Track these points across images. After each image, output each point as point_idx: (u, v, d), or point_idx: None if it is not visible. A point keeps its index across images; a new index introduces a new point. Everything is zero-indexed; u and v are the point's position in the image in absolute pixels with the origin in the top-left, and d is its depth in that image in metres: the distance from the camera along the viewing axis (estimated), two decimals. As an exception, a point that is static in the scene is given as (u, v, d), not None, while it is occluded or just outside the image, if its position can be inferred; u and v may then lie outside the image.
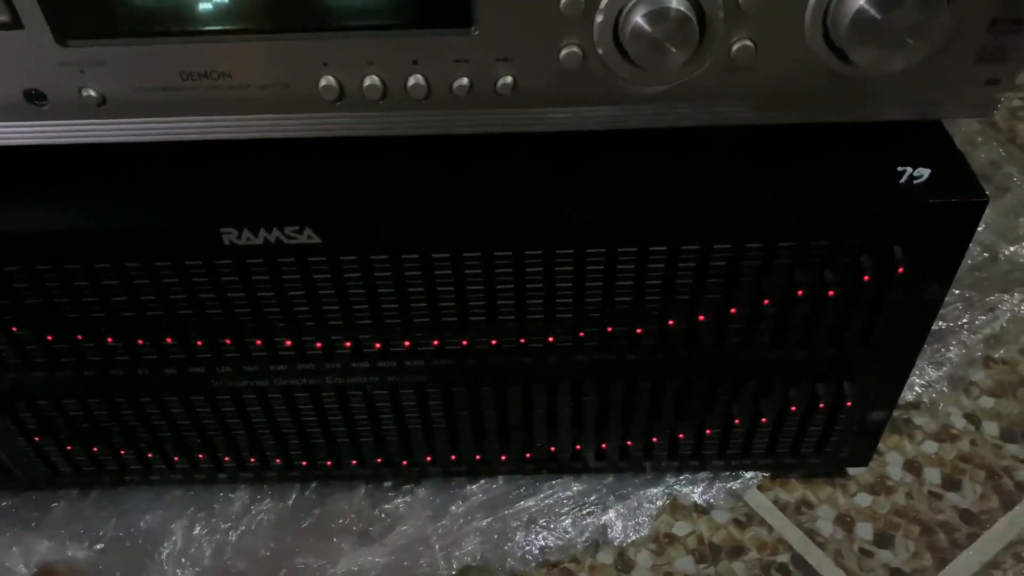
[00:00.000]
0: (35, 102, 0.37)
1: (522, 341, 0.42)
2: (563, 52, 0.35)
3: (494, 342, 0.42)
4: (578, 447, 0.48)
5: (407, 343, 0.42)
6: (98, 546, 0.49)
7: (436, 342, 0.42)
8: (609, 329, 0.43)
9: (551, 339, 0.42)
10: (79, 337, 0.42)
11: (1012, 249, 0.66)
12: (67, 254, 0.38)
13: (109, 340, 0.42)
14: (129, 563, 0.49)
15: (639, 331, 0.42)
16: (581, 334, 0.42)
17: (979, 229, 0.67)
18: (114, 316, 0.41)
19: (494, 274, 0.39)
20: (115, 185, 0.39)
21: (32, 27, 0.34)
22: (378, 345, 0.42)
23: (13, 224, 0.38)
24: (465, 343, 0.42)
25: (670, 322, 0.42)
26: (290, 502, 0.51)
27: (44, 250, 0.38)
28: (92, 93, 0.37)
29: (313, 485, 0.52)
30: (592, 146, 0.40)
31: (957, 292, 0.62)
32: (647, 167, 0.39)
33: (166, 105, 0.37)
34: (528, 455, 0.49)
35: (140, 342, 0.42)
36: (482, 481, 0.51)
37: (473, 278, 0.39)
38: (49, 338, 0.41)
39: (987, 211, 0.68)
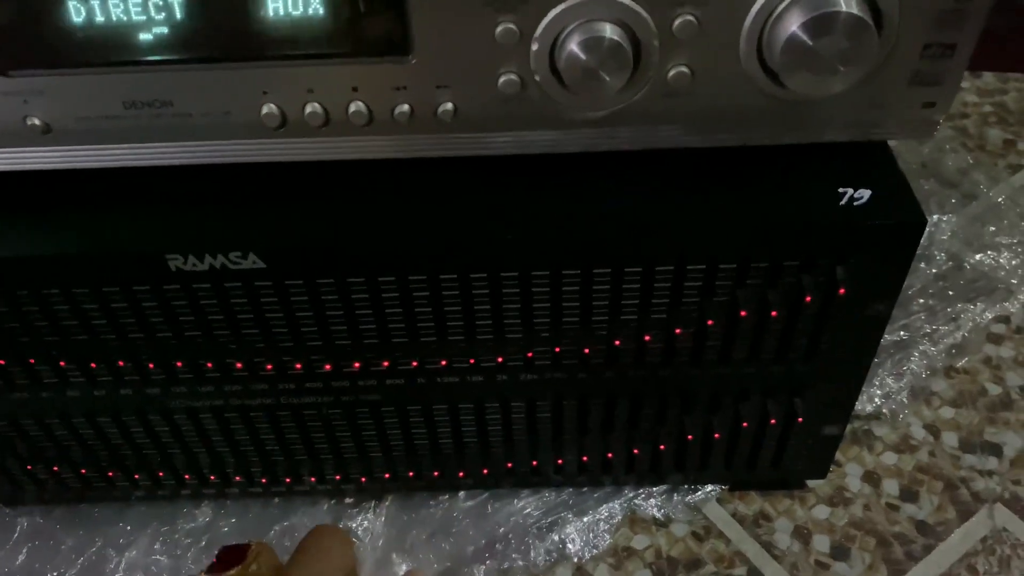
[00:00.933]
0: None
1: (472, 361, 0.42)
2: (501, 79, 0.35)
3: (444, 362, 0.42)
4: (535, 463, 0.49)
5: (357, 364, 0.43)
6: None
7: (387, 363, 0.42)
8: (557, 349, 0.43)
9: (500, 359, 0.42)
10: (31, 361, 0.42)
11: (977, 257, 0.66)
12: (16, 279, 0.39)
13: (62, 363, 0.42)
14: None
15: (586, 351, 0.42)
16: (530, 354, 0.42)
17: (944, 238, 0.68)
18: (67, 339, 0.41)
19: (440, 295, 0.40)
20: (63, 211, 0.39)
21: (-24, 59, 0.35)
22: (328, 366, 0.43)
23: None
24: (415, 364, 0.42)
25: (616, 342, 0.43)
26: (250, 516, 0.51)
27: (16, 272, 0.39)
28: (36, 122, 0.37)
29: (276, 501, 0.52)
30: (538, 167, 0.40)
31: (921, 301, 0.63)
32: (590, 188, 0.40)
33: (110, 133, 0.37)
34: (485, 471, 0.49)
35: (93, 365, 0.42)
36: (443, 497, 0.52)
37: (420, 299, 0.40)
38: (2, 362, 0.42)
39: (954, 219, 0.69)
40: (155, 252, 0.38)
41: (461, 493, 0.52)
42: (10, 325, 0.40)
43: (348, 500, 0.52)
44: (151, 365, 0.42)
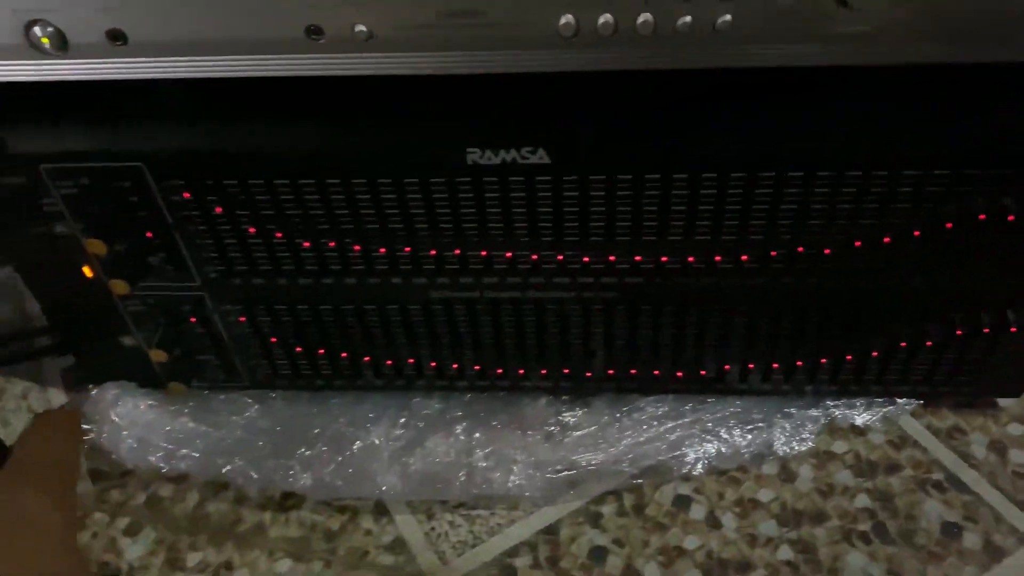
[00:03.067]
0: (312, 37, 0.43)
1: (718, 258, 0.47)
2: (781, -7, 0.40)
3: (691, 259, 0.47)
4: (751, 366, 0.53)
5: (612, 257, 0.47)
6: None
7: (639, 258, 0.47)
8: (773, 253, 0.47)
9: (744, 257, 0.47)
10: (330, 245, 0.48)
11: None
12: (328, 171, 0.45)
13: (356, 248, 0.48)
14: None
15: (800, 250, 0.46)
16: (773, 253, 0.46)
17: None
18: (359, 229, 0.47)
19: (698, 196, 0.44)
20: (378, 112, 0.45)
21: (324, -31, 0.41)
22: (587, 259, 0.48)
23: (287, 142, 0.45)
24: (664, 260, 0.47)
25: (827, 251, 0.47)
26: (476, 407, 0.57)
27: (310, 167, 0.45)
28: (363, 28, 0.43)
29: (501, 395, 0.57)
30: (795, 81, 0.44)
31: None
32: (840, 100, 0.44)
33: (426, 42, 0.43)
34: (703, 372, 0.54)
35: (383, 251, 0.48)
36: (651, 398, 0.56)
37: (678, 199, 0.44)
38: (306, 245, 0.48)
39: None
40: (457, 146, 0.43)
41: (669, 396, 0.56)
42: (315, 212, 0.46)
43: (564, 398, 0.57)
44: (432, 253, 0.48)
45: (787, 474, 0.54)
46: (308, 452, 0.54)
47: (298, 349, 0.55)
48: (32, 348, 0.67)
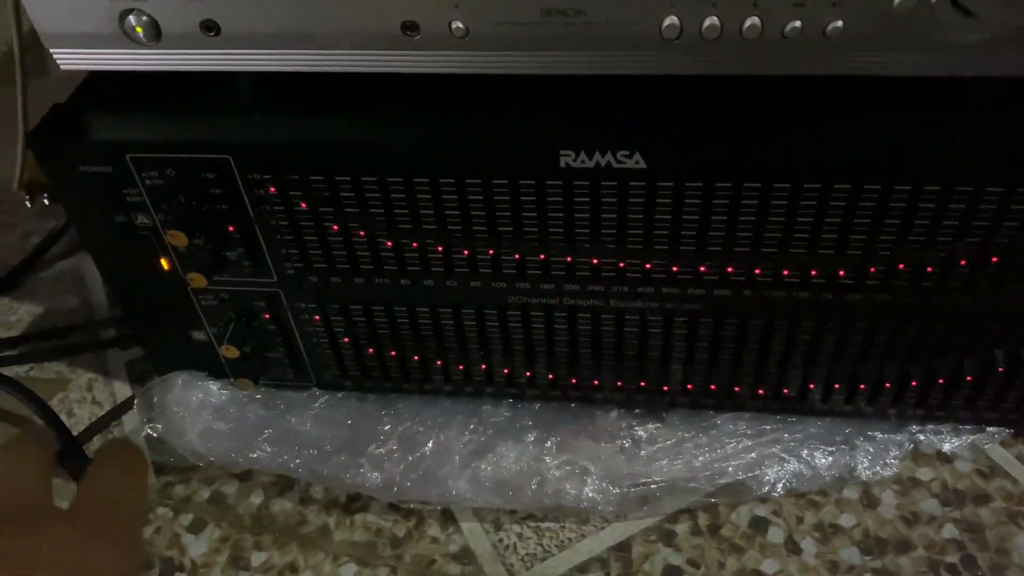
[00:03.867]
0: (408, 33, 0.43)
1: (813, 272, 0.45)
2: (897, 0, 0.38)
3: (786, 271, 0.45)
4: (836, 386, 0.51)
5: (702, 268, 0.46)
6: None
7: (730, 269, 0.46)
8: (872, 269, 0.46)
9: (841, 273, 0.45)
10: (413, 245, 0.47)
11: None
12: (416, 169, 0.44)
13: (439, 249, 0.47)
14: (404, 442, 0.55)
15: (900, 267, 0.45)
16: (872, 268, 0.45)
17: None
18: (443, 230, 0.46)
19: (797, 207, 0.43)
20: (470, 111, 0.44)
21: (426, -35, 0.40)
22: (675, 269, 0.46)
23: (376, 139, 0.44)
24: (757, 272, 0.46)
25: (929, 269, 0.45)
26: (546, 416, 0.56)
27: (399, 165, 0.44)
28: (460, 25, 0.42)
29: (571, 406, 0.56)
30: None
31: None
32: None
33: (525, 41, 0.42)
34: (785, 391, 0.52)
35: (465, 253, 0.47)
36: (728, 415, 0.55)
37: (777, 209, 0.43)
38: (388, 245, 0.47)
39: None
40: (551, 148, 0.42)
41: (745, 414, 0.55)
42: (399, 211, 0.46)
43: (636, 411, 0.56)
44: (516, 256, 0.47)
45: (869, 500, 0.52)
46: (379, 450, 0.53)
47: (370, 351, 0.54)
48: (96, 339, 0.68)
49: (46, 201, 0.66)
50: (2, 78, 1.01)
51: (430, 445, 0.53)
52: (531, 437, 0.54)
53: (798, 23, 0.39)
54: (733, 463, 0.52)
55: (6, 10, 0.51)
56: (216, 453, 0.54)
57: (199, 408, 0.56)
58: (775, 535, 0.51)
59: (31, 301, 0.70)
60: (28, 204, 0.66)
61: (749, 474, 0.51)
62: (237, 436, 0.54)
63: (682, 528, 0.51)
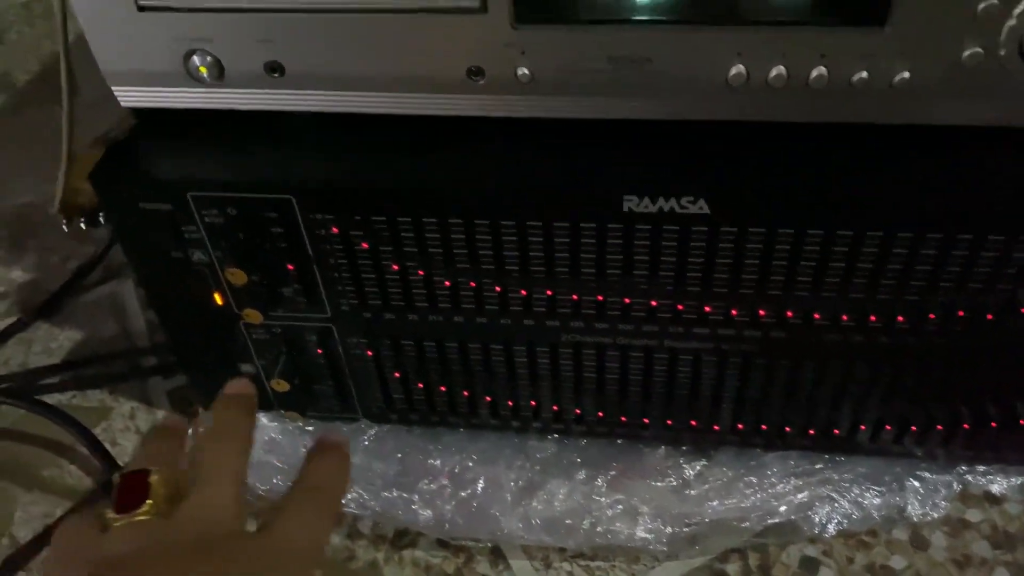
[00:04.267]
0: (473, 78, 0.43)
1: (872, 319, 0.45)
2: (966, 52, 0.38)
3: (844, 317, 0.46)
4: (887, 427, 0.51)
5: (761, 311, 0.46)
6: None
7: (790, 313, 0.46)
8: (932, 316, 0.46)
9: (900, 319, 0.45)
10: (470, 284, 0.47)
11: None
12: (478, 211, 0.44)
13: (497, 289, 0.47)
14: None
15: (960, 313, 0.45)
16: (933, 315, 0.45)
17: None
18: (501, 270, 0.47)
19: (859, 253, 0.43)
20: (532, 154, 0.45)
21: (495, 12, 0.40)
22: (735, 312, 0.46)
23: (438, 180, 0.44)
24: (817, 316, 0.46)
25: (989, 316, 0.45)
26: (592, 452, 0.56)
27: (461, 206, 0.44)
28: (526, 71, 0.42)
29: (619, 443, 0.56)
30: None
31: None
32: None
33: (589, 86, 0.42)
34: (836, 432, 0.52)
35: (523, 292, 0.47)
36: (776, 453, 0.55)
37: (838, 256, 0.43)
38: (446, 284, 0.48)
39: None
40: (615, 192, 0.42)
41: (793, 452, 0.55)
42: (458, 251, 0.46)
43: (683, 448, 0.56)
44: (574, 297, 0.47)
45: (919, 541, 0.52)
46: (430, 486, 0.53)
47: (419, 385, 0.54)
48: (138, 367, 0.68)
49: (83, 225, 0.66)
50: (29, 99, 1.02)
51: (481, 482, 0.53)
52: (581, 475, 0.54)
53: (865, 73, 0.40)
54: (783, 503, 0.52)
55: (35, 31, 0.52)
56: (267, 486, 0.54)
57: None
58: (826, 576, 0.51)
59: (71, 327, 0.70)
60: (65, 227, 0.66)
61: (799, 514, 0.51)
62: (288, 470, 0.54)
63: (733, 568, 0.51)
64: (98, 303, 0.73)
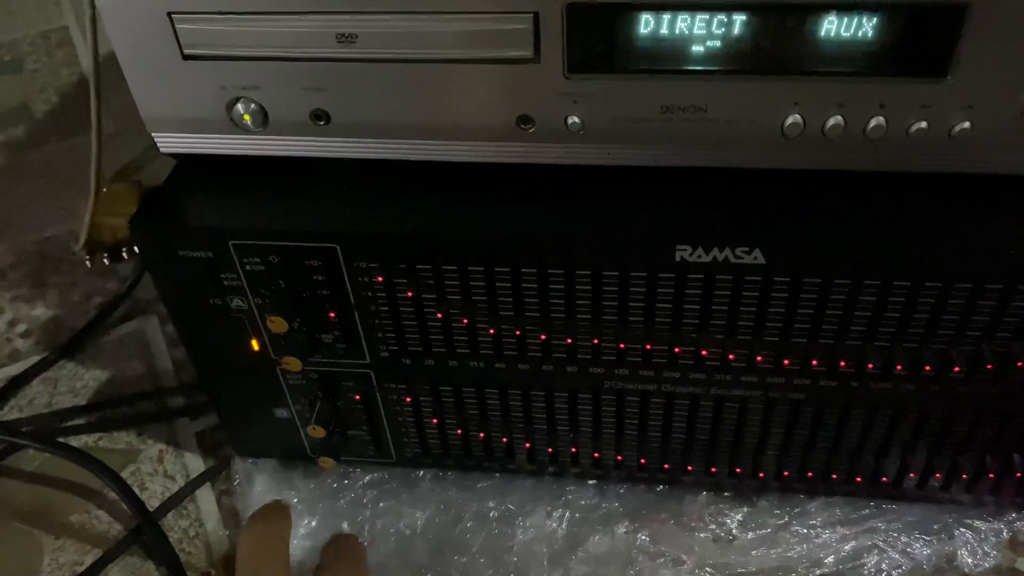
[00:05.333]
0: (522, 126, 0.43)
1: (927, 369, 0.45)
2: (1027, 102, 0.38)
3: (899, 367, 0.45)
4: (938, 475, 0.50)
5: (814, 361, 0.45)
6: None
7: (843, 363, 0.45)
8: (988, 367, 0.45)
9: (956, 369, 0.44)
10: (515, 333, 0.47)
11: None
12: (527, 260, 0.43)
13: (541, 337, 0.47)
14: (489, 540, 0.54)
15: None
16: (989, 366, 0.44)
17: None
18: (546, 318, 0.46)
19: (916, 302, 0.42)
20: (583, 202, 0.44)
21: (548, 62, 0.40)
22: (787, 362, 0.46)
23: (485, 229, 0.44)
24: (870, 366, 0.45)
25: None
26: (631, 498, 0.55)
27: (508, 255, 0.43)
28: (576, 120, 0.42)
29: (659, 488, 0.55)
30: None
31: None
32: None
33: (640, 135, 0.42)
34: (884, 479, 0.51)
35: (568, 341, 0.47)
36: (820, 500, 0.54)
37: (894, 305, 0.42)
38: (491, 332, 0.47)
39: None
40: (667, 242, 0.42)
41: (837, 498, 0.54)
42: (504, 299, 0.45)
43: (725, 494, 0.55)
44: (622, 346, 0.46)
45: (970, 591, 0.51)
46: (463, 560, 0.52)
47: (458, 432, 0.53)
48: (165, 408, 0.67)
49: (106, 261, 0.65)
50: (49, 131, 1.02)
51: (516, 547, 0.52)
52: (622, 528, 0.53)
53: (924, 124, 0.39)
54: (831, 553, 0.51)
55: (54, 60, 0.51)
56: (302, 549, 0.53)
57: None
58: (877, 628, 0.50)
59: (96, 366, 0.70)
60: (88, 264, 0.65)
61: (848, 564, 0.50)
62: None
63: (780, 620, 0.50)
64: (123, 341, 0.72)
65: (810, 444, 0.50)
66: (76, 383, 0.68)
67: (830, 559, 0.51)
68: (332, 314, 0.47)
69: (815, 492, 0.54)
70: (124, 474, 0.60)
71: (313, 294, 0.46)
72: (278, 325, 0.47)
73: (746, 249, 0.41)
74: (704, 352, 0.46)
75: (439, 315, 0.46)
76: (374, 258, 0.44)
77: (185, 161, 0.50)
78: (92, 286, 0.77)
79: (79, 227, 0.56)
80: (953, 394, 0.46)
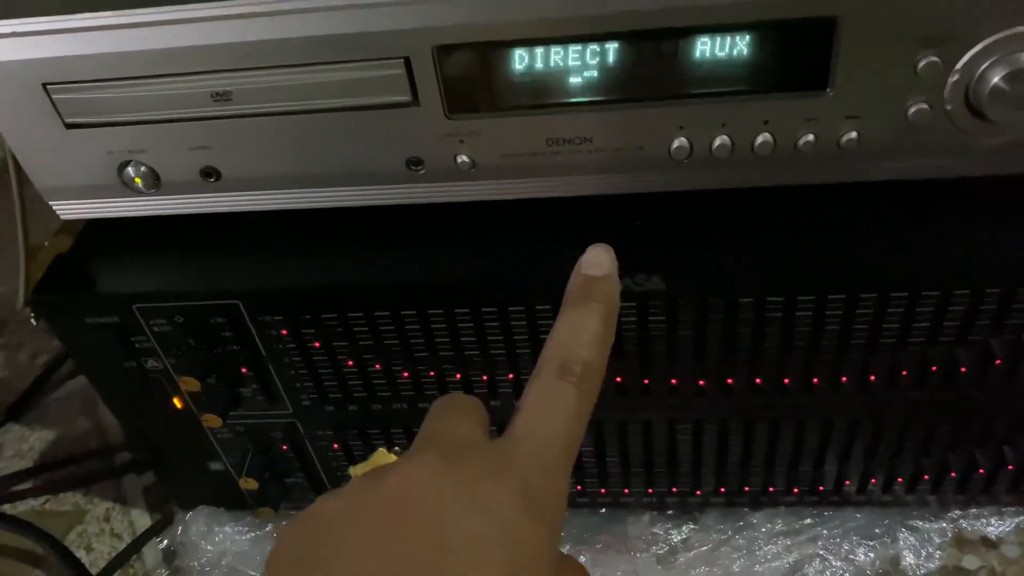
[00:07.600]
0: (412, 168, 0.42)
1: (843, 380, 0.44)
2: (911, 110, 0.37)
3: (816, 380, 0.44)
4: (873, 480, 0.50)
5: (729, 380, 0.45)
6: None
7: (759, 380, 0.45)
8: (905, 372, 0.44)
9: (872, 378, 0.44)
10: (430, 374, 0.46)
11: None
12: (429, 302, 0.43)
13: (457, 376, 0.46)
14: None
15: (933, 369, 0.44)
16: (903, 372, 0.43)
17: None
18: (460, 356, 0.45)
19: (824, 317, 0.42)
20: (479, 240, 0.44)
21: (427, 105, 0.39)
22: (702, 382, 0.45)
23: (384, 274, 0.43)
24: (787, 381, 0.44)
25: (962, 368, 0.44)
26: (577, 523, 0.54)
27: (410, 298, 0.43)
28: (465, 159, 0.41)
29: (602, 511, 0.55)
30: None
31: None
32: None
33: (530, 168, 0.41)
34: (820, 488, 0.51)
35: (485, 378, 0.46)
36: (763, 512, 0.53)
37: (802, 320, 0.42)
38: (405, 375, 0.46)
39: None
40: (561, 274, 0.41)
41: (780, 509, 0.53)
42: (466, 340, 0.45)
43: (668, 512, 0.54)
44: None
45: (917, 594, 0.50)
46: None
47: (392, 473, 0.53)
48: (112, 465, 0.66)
49: (51, 317, 0.65)
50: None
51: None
52: (564, 550, 0.52)
53: (811, 136, 0.39)
54: (774, 564, 0.50)
55: None
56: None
57: (224, 544, 0.54)
58: (823, 640, 0.49)
59: (42, 427, 0.69)
60: (33, 322, 0.65)
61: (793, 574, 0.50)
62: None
63: (726, 639, 0.50)
64: (69, 399, 0.71)
65: (745, 459, 0.50)
66: (22, 445, 0.68)
67: (771, 571, 0.50)
68: (244, 369, 0.47)
69: (758, 505, 0.53)
70: (71, 536, 0.60)
71: (224, 350, 0.46)
72: (190, 384, 0.46)
73: (644, 276, 0.41)
74: (619, 379, 0.46)
75: (350, 363, 0.46)
76: (277, 311, 0.44)
77: (92, 223, 0.50)
78: (39, 344, 0.76)
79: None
80: (878, 401, 0.46)
